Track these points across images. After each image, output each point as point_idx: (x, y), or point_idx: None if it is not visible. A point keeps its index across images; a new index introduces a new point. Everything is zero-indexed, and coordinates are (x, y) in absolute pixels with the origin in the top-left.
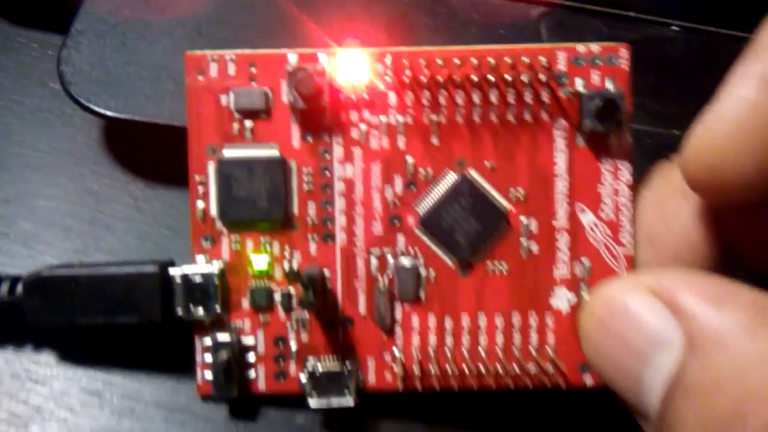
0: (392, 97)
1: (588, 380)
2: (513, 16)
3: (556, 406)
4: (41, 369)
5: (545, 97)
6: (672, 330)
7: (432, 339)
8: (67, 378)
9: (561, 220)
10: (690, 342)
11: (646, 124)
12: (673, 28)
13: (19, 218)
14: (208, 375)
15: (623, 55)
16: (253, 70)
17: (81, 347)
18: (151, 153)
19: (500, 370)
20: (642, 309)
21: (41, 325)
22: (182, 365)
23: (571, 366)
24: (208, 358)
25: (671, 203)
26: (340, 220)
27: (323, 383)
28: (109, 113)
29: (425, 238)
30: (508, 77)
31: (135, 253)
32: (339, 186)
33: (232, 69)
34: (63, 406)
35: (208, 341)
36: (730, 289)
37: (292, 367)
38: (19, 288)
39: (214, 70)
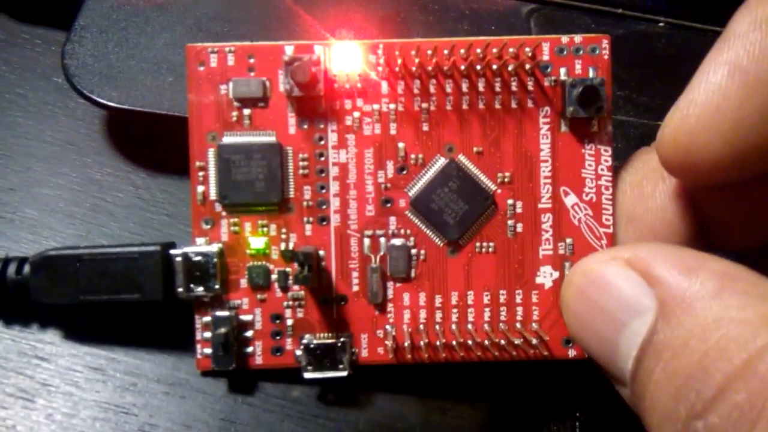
0: (384, 87)
1: (570, 352)
2: (503, 12)
3: (541, 376)
4: (47, 347)
5: (530, 85)
6: (646, 298)
7: (422, 315)
8: (72, 355)
9: (545, 201)
10: (661, 307)
11: (632, 115)
12: (660, 24)
13: (24, 205)
14: (207, 350)
15: (604, 46)
16: (252, 61)
17: (85, 325)
18: (152, 143)
19: (487, 343)
20: (619, 279)
21: (47, 303)
22: (182, 342)
23: (554, 339)
24: (207, 334)
25: (649, 185)
26: (334, 203)
27: (318, 356)
28: (111, 104)
29: (416, 219)
30: (494, 66)
31: (136, 238)
32: (333, 170)
33: (231, 60)
34: (68, 381)
35: (207, 319)
36: (701, 258)
37: (288, 343)
38: (27, 268)
39: (214, 61)
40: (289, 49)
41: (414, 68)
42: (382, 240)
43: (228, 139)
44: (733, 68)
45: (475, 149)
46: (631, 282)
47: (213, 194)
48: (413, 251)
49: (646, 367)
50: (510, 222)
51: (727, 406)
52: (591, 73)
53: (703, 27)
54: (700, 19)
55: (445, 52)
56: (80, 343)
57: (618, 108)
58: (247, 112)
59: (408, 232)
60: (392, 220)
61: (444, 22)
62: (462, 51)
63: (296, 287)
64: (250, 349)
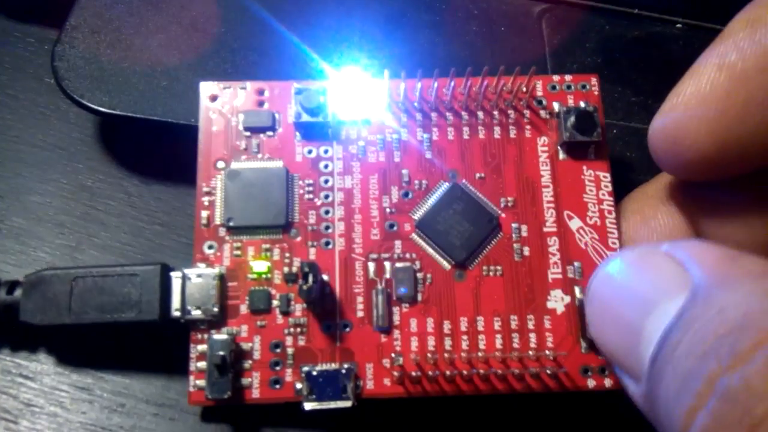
0: (389, 118)
1: (590, 382)
2: (514, 12)
3: (557, 409)
4: (32, 365)
5: (527, 116)
6: (682, 280)
7: (430, 341)
8: (58, 374)
9: (550, 225)
10: (698, 288)
11: (648, 123)
12: (677, 25)
13: (12, 214)
14: (201, 382)
15: (593, 83)
16: (263, 96)
17: (76, 345)
18: (146, 149)
19: (501, 373)
20: (656, 262)
21: (38, 325)
22: (174, 363)
23: (572, 368)
24: (202, 364)
25: (650, 210)
26: (339, 227)
27: (321, 384)
28: (102, 109)
29: (421, 242)
30: (491, 101)
31: (128, 248)
32: (338, 196)
33: (242, 96)
34: (53, 401)
35: (202, 347)
36: (740, 253)
37: (288, 374)
38: (18, 290)
39: (226, 96)
40: (299, 84)
41: (415, 102)
42: (387, 264)
43: (236, 165)
44: (721, 62)
45: (477, 175)
46: (669, 266)
47: (218, 218)
48: (419, 274)
49: (671, 342)
50: (516, 245)
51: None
52: (582, 104)
53: (721, 28)
54: (719, 20)
55: (445, 90)
56: (69, 363)
57: (633, 115)
58: (255, 141)
59: (413, 255)
60: (397, 243)
61: (452, 23)
62: (461, 88)
63: (298, 312)
64: (247, 381)
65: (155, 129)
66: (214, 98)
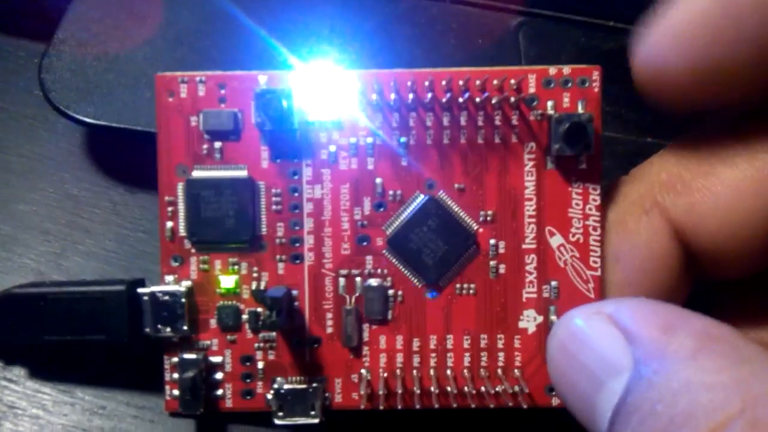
0: (362, 119)
1: (554, 401)
2: (491, 25)
3: (524, 425)
4: (14, 368)
5: (515, 119)
6: (625, 357)
7: (399, 358)
8: (40, 377)
9: (530, 242)
10: (637, 367)
11: (621, 132)
12: None
13: None
14: (176, 392)
15: (594, 78)
16: (223, 91)
17: (57, 351)
18: (131, 159)
19: (467, 390)
20: (600, 336)
21: (9, 345)
22: (153, 369)
23: (537, 386)
24: (176, 375)
25: (632, 220)
26: (308, 241)
27: (289, 401)
28: (88, 120)
29: (393, 259)
30: (477, 100)
31: (112, 255)
32: (308, 206)
33: (202, 90)
34: (35, 404)
35: (176, 359)
36: (684, 316)
37: (259, 386)
38: None
39: (184, 91)
40: (262, 79)
41: (392, 100)
42: (358, 280)
43: (198, 174)
44: None
45: (456, 186)
46: (612, 339)
47: (182, 230)
48: (390, 292)
49: (618, 429)
50: (492, 263)
51: None
52: (579, 107)
53: None
54: None
55: (426, 83)
56: (50, 367)
57: (606, 124)
58: (218, 145)
59: (385, 272)
60: (369, 259)
61: (430, 36)
62: (443, 82)
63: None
64: (220, 392)
65: (140, 139)
66: (171, 93)
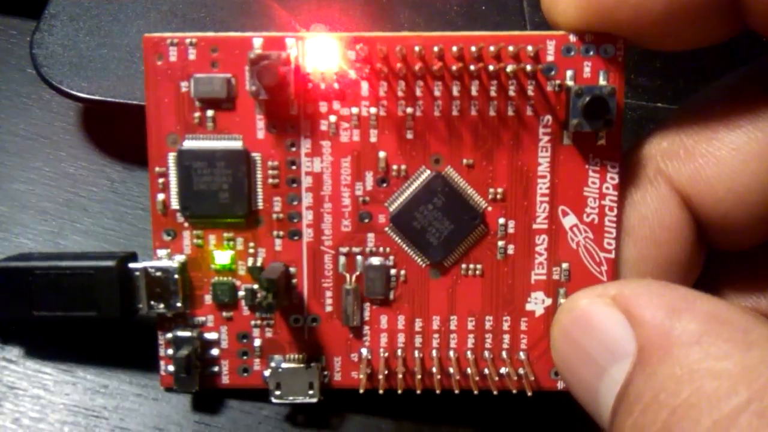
0: (364, 87)
1: (559, 384)
2: None
3: (527, 406)
4: (14, 348)
5: (531, 90)
6: (628, 342)
7: (400, 339)
8: (40, 356)
9: (541, 222)
10: (640, 353)
11: (630, 97)
12: None
13: None
14: (171, 368)
15: (619, 45)
16: (215, 54)
17: (44, 339)
18: (128, 135)
19: (470, 372)
20: (603, 320)
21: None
22: (154, 345)
23: (543, 369)
24: (171, 351)
25: (638, 192)
26: (307, 217)
27: (287, 381)
28: (81, 95)
29: (396, 237)
30: (491, 68)
31: (110, 233)
32: (306, 181)
33: (192, 53)
34: (36, 384)
35: (170, 335)
36: (690, 298)
37: (256, 363)
38: None
39: (173, 55)
40: (257, 42)
41: (399, 67)
42: (359, 258)
43: (189, 144)
44: None
45: (464, 161)
46: (615, 323)
47: (174, 203)
48: (392, 271)
49: (619, 421)
50: (501, 243)
51: None
52: (601, 79)
53: None
54: None
55: (435, 49)
56: (51, 345)
57: None
58: (210, 113)
59: (387, 250)
60: (370, 236)
61: (432, 2)
62: (454, 48)
63: None
64: (216, 369)
65: (135, 114)
66: (160, 56)
